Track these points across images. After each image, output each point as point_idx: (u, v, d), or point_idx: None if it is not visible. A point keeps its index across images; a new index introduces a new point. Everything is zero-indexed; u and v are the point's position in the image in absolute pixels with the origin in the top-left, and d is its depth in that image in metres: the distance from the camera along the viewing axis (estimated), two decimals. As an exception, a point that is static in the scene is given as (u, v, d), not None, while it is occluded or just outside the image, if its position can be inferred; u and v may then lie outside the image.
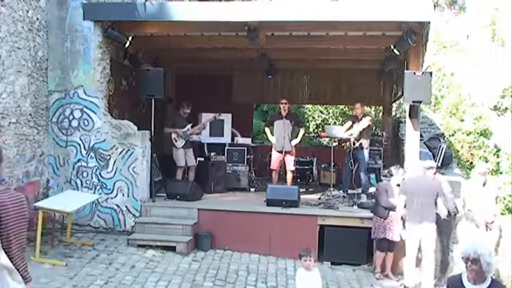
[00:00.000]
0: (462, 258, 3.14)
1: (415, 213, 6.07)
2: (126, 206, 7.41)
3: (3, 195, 3.17)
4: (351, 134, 8.53)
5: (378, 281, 6.60)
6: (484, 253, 3.07)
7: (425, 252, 6.10)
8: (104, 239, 7.05)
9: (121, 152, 7.41)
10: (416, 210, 6.06)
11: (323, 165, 10.55)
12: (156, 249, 6.82)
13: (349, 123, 8.81)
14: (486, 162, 10.61)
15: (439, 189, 6.25)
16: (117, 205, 7.41)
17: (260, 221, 7.35)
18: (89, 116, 7.43)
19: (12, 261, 3.14)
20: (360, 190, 8.53)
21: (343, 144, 9.05)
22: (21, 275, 3.12)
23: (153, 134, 7.67)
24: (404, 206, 6.20)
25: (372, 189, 8.46)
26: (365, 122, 8.56)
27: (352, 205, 7.85)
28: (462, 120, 12.20)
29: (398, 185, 6.44)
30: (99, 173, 7.43)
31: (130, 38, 7.81)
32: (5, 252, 3.08)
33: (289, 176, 8.90)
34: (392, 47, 7.68)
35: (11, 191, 3.48)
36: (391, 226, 6.53)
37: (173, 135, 8.72)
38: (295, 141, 8.71)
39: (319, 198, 8.37)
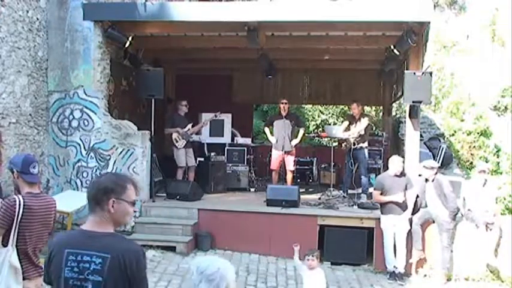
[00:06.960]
0: None
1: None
2: (126, 206, 7.39)
3: (33, 199, 3.27)
4: (350, 135, 8.52)
5: (377, 281, 6.59)
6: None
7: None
8: (103, 239, 7.03)
9: (121, 152, 7.41)
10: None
11: (323, 165, 10.55)
12: (156, 249, 6.81)
13: (346, 123, 8.80)
14: (486, 162, 10.60)
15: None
16: (117, 205, 7.40)
17: (260, 221, 7.35)
18: (89, 116, 7.43)
19: (20, 260, 3.24)
20: (360, 190, 8.53)
21: (342, 144, 9.03)
22: (22, 272, 3.22)
23: (153, 134, 7.66)
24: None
25: (371, 190, 8.46)
26: (364, 123, 8.55)
27: (352, 205, 7.85)
28: (462, 120, 12.20)
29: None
30: (99, 173, 7.43)
31: (130, 38, 7.81)
32: (17, 251, 3.18)
33: (289, 176, 8.89)
34: (392, 47, 7.68)
35: (44, 195, 3.56)
36: None
37: (174, 136, 8.71)
38: (295, 141, 8.69)
39: (319, 198, 8.37)
